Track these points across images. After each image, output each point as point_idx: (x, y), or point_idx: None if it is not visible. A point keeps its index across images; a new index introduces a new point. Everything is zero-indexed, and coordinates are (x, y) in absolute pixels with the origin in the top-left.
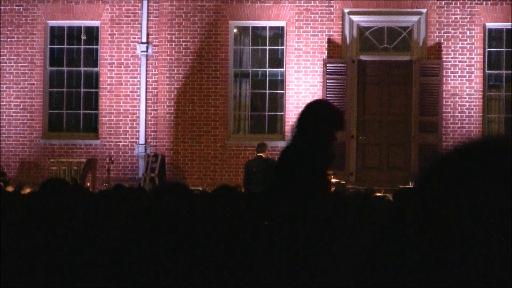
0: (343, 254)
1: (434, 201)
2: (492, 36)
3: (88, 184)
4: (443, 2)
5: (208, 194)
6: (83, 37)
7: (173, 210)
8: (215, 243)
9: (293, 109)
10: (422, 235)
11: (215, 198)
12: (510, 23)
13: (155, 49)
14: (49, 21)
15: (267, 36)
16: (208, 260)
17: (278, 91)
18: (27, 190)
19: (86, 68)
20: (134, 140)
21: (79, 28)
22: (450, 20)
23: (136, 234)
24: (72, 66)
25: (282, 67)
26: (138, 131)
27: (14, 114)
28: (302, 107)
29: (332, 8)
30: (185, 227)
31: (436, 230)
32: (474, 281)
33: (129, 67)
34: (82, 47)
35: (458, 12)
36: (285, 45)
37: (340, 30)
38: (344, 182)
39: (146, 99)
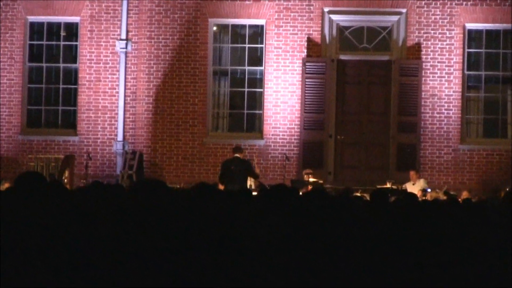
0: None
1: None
2: (472, 37)
3: (65, 180)
4: (423, 2)
5: (186, 191)
6: (62, 33)
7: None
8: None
9: (271, 108)
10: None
11: (193, 195)
12: (490, 24)
13: (135, 46)
14: (29, 17)
15: (247, 34)
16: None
17: (257, 90)
18: (6, 185)
19: (65, 64)
20: (113, 137)
21: (58, 24)
22: (430, 20)
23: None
24: (51, 62)
25: (261, 66)
26: (117, 128)
27: None
28: (280, 105)
29: (312, 7)
30: (163, 224)
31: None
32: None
33: (108, 63)
34: (62, 43)
35: (438, 13)
36: (264, 43)
37: (320, 29)
38: (322, 181)
39: (125, 96)
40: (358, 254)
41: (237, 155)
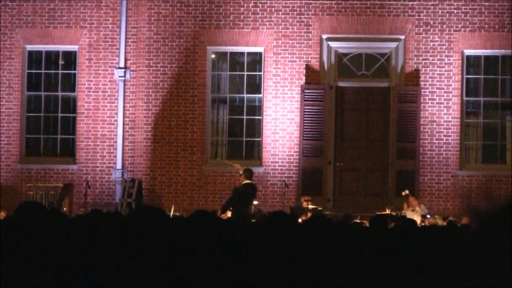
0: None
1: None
2: (470, 63)
3: (65, 208)
4: (421, 28)
5: (185, 219)
6: (61, 61)
7: (150, 234)
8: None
9: (270, 135)
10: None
11: (192, 223)
12: (489, 50)
13: (133, 74)
14: (27, 46)
15: (245, 62)
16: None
17: (255, 117)
18: (2, 214)
19: (63, 93)
20: (111, 165)
21: (57, 52)
22: (428, 46)
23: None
24: (49, 90)
25: (260, 93)
26: (115, 156)
27: None
28: (279, 133)
29: (310, 34)
30: (161, 251)
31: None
32: None
33: (107, 92)
34: (60, 71)
35: (436, 39)
36: (263, 71)
37: (318, 56)
38: (321, 208)
39: (124, 124)
40: (359, 280)
41: (247, 181)
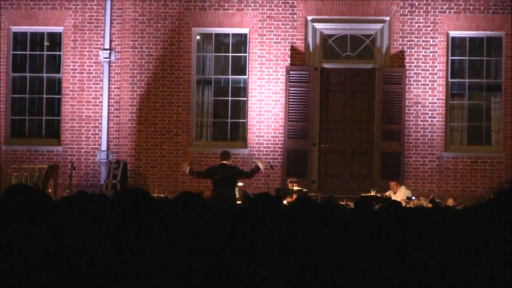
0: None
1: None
2: (455, 45)
3: (50, 190)
4: (407, 10)
5: (170, 201)
6: (46, 43)
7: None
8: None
9: (255, 117)
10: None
11: (177, 204)
12: (474, 32)
13: (118, 55)
14: (12, 27)
15: (230, 43)
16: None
17: (240, 98)
18: None
19: (48, 74)
20: (96, 146)
21: (42, 34)
22: (414, 28)
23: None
24: (34, 72)
25: (245, 74)
26: (100, 138)
27: None
28: (264, 114)
29: (295, 16)
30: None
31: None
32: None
33: (92, 73)
34: (45, 53)
35: (422, 20)
36: (248, 52)
37: (303, 37)
38: (306, 190)
39: (109, 105)
40: (343, 262)
41: (224, 162)
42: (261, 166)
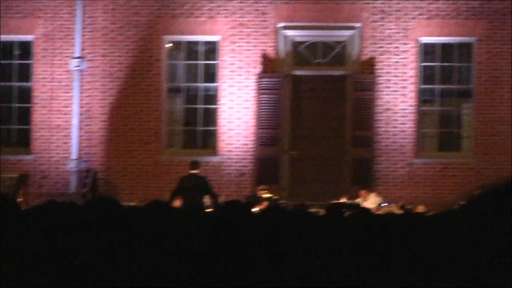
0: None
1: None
2: (426, 51)
3: (20, 199)
4: (378, 16)
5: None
6: (16, 52)
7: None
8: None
9: (226, 124)
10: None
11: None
12: (445, 37)
13: (89, 64)
14: None
15: (201, 51)
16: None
17: (211, 106)
18: None
19: (19, 83)
20: (67, 155)
21: (12, 43)
22: (384, 34)
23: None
24: (5, 81)
25: (216, 82)
26: (71, 146)
27: None
28: (235, 122)
29: (266, 23)
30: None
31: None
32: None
33: (62, 82)
34: (16, 62)
35: (393, 27)
36: (219, 59)
37: (274, 45)
38: (277, 197)
39: (79, 114)
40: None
41: (193, 171)
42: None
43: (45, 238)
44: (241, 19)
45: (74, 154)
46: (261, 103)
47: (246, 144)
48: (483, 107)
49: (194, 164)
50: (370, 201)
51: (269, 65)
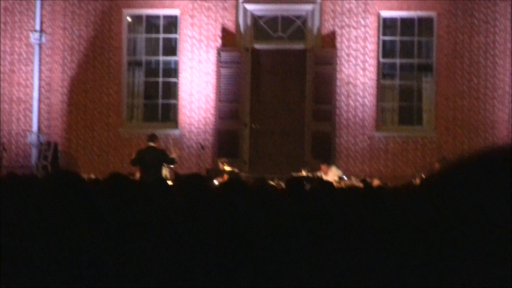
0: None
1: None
2: (387, 25)
3: None
4: None
5: (100, 182)
6: None
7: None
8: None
9: (186, 98)
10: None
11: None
12: (405, 12)
13: (49, 37)
14: None
15: (161, 25)
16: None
17: (171, 80)
18: None
19: None
20: (27, 128)
21: None
22: (345, 9)
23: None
24: None
25: (176, 56)
26: (31, 119)
27: None
28: (195, 95)
29: None
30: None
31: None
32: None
33: (22, 55)
34: None
35: (353, 1)
36: (179, 33)
37: (234, 18)
38: (237, 170)
39: (40, 87)
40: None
41: (151, 144)
42: (175, 156)
43: (5, 210)
44: None
45: (34, 127)
46: (222, 77)
47: (206, 118)
48: (444, 81)
49: (152, 137)
50: (331, 175)
51: (229, 39)
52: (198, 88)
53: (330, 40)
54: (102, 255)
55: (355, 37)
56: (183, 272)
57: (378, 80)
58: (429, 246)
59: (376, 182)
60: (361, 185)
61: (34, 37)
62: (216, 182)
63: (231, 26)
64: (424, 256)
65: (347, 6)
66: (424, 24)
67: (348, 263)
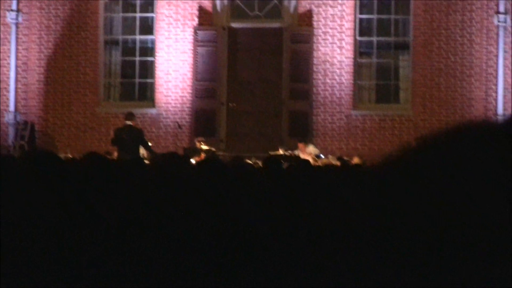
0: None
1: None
2: (363, 3)
3: None
4: None
5: (77, 161)
6: None
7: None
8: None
9: (163, 76)
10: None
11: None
12: None
13: (26, 17)
14: None
15: (138, 4)
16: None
17: (148, 58)
18: None
19: None
20: (4, 107)
21: None
22: None
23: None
24: None
25: (153, 35)
26: (8, 99)
27: None
28: (172, 74)
29: None
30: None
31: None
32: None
33: None
34: None
35: None
36: (155, 12)
37: None
38: (214, 149)
39: (16, 66)
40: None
41: (128, 122)
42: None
43: None
44: None
45: (11, 107)
46: (198, 56)
47: (183, 97)
48: (420, 59)
49: (130, 116)
50: (308, 153)
51: (206, 18)
52: (175, 67)
53: (306, 18)
54: (82, 237)
55: (332, 15)
56: (161, 248)
57: (355, 59)
58: (409, 223)
59: (355, 160)
60: (338, 163)
61: (11, 17)
62: (193, 161)
63: (207, 4)
64: (407, 235)
65: None
66: (401, 2)
67: (325, 242)
